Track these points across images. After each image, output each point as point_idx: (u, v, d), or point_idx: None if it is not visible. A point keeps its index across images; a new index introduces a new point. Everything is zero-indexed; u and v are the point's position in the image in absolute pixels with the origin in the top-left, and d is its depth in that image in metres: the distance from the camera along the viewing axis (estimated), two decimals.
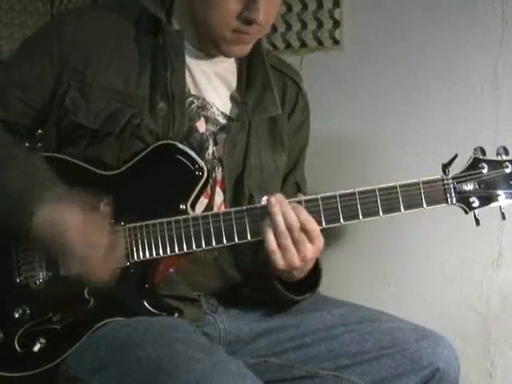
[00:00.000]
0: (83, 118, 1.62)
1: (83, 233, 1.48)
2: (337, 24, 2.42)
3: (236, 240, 1.53)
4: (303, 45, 2.48)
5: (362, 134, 2.39)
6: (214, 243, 1.53)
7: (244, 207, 1.53)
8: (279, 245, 1.49)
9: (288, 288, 1.61)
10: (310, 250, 1.50)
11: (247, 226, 1.52)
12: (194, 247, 1.53)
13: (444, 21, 2.25)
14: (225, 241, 1.53)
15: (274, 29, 2.51)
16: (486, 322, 2.21)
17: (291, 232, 1.48)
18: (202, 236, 1.53)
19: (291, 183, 1.83)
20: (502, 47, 2.18)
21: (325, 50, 2.44)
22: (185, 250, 1.54)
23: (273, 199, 1.49)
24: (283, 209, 1.48)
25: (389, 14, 2.34)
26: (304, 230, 1.49)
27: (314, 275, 1.61)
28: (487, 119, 2.17)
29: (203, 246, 1.53)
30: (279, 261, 1.49)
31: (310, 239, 1.49)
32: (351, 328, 1.63)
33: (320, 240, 1.51)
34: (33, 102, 1.67)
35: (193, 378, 1.30)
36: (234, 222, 1.52)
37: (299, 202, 1.51)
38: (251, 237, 1.52)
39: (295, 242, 1.49)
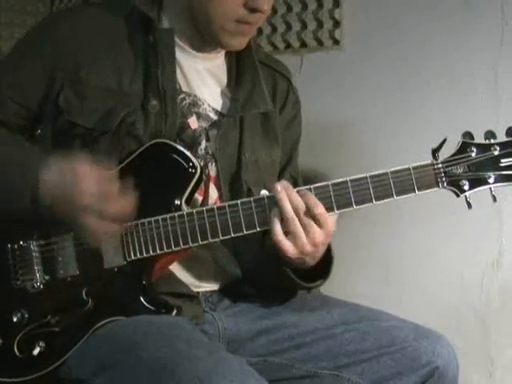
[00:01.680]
0: (78, 117, 1.62)
1: (93, 182, 1.47)
2: (337, 24, 2.42)
3: (232, 234, 1.53)
4: (303, 45, 2.49)
5: (362, 134, 2.39)
6: (209, 238, 1.53)
7: (239, 201, 1.53)
8: (288, 231, 1.49)
9: (299, 276, 1.61)
10: (320, 234, 1.49)
11: (242, 220, 1.52)
12: (191, 243, 1.53)
13: (444, 21, 2.25)
14: (220, 235, 1.53)
15: (274, 29, 2.52)
16: (485, 321, 2.21)
17: (298, 216, 1.48)
18: (198, 231, 1.53)
19: (287, 178, 1.82)
20: (502, 47, 2.18)
21: (325, 50, 2.45)
22: (181, 246, 1.54)
23: (278, 186, 1.50)
24: (289, 194, 1.49)
25: (389, 13, 2.34)
26: (312, 214, 1.49)
27: (326, 262, 1.61)
28: (487, 119, 2.17)
29: (199, 241, 1.53)
30: (290, 248, 1.49)
31: (319, 224, 1.49)
32: (351, 327, 1.63)
33: (330, 225, 1.50)
34: (27, 102, 1.66)
35: (195, 376, 1.30)
36: (228, 216, 1.52)
37: (309, 189, 1.51)
38: (246, 230, 1.52)
39: (304, 227, 1.49)
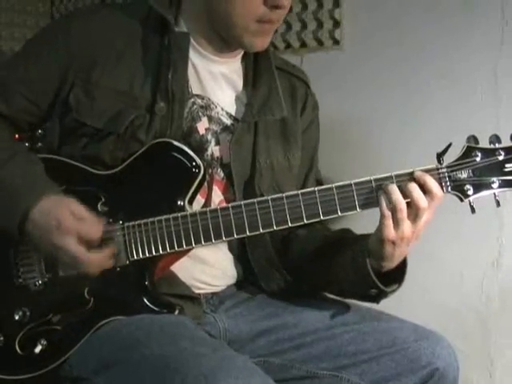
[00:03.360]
0: (86, 117, 1.62)
1: (77, 229, 1.49)
2: (337, 24, 2.42)
3: (235, 235, 1.53)
4: (303, 45, 2.49)
5: (363, 135, 2.39)
6: (213, 239, 1.53)
7: (242, 202, 1.54)
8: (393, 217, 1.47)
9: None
10: (423, 222, 1.49)
11: (245, 221, 1.52)
12: (194, 243, 1.53)
13: (444, 21, 2.25)
14: (224, 236, 1.53)
15: None
16: (485, 322, 2.21)
17: (418, 210, 1.47)
18: (201, 232, 1.53)
19: (313, 181, 1.82)
20: (502, 47, 2.18)
21: (325, 49, 2.45)
22: (184, 246, 1.54)
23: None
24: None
25: (389, 14, 2.34)
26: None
27: (399, 268, 1.58)
28: (487, 119, 2.17)
29: (202, 242, 1.53)
30: (390, 229, 1.48)
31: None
32: (351, 328, 1.63)
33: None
34: (37, 99, 1.67)
35: (200, 373, 1.29)
36: (232, 217, 1.52)
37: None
38: (249, 231, 1.52)
39: (414, 218, 1.48)
